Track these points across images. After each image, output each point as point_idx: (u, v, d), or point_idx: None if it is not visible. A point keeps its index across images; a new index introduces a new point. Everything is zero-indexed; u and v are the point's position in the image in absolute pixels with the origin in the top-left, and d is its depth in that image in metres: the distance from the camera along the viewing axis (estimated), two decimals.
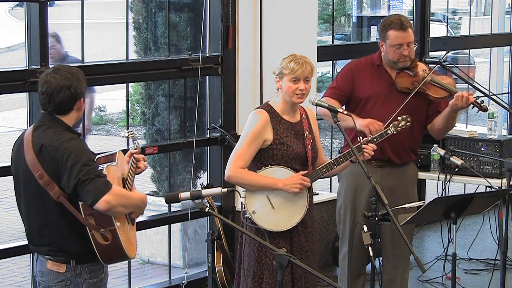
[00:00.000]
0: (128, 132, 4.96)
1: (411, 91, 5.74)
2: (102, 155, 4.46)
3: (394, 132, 5.37)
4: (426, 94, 5.78)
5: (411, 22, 9.14)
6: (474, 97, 5.72)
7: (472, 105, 5.75)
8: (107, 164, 4.32)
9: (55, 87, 4.26)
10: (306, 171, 5.10)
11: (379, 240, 6.01)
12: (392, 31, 5.77)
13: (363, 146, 5.15)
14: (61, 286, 4.29)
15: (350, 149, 5.11)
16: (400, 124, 5.39)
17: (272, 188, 5.06)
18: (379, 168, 5.86)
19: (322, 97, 5.93)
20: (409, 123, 5.40)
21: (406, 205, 5.03)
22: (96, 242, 4.17)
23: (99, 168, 4.22)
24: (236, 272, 5.26)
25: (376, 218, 4.74)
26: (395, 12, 10.09)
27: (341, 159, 5.14)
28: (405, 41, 5.76)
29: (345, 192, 5.96)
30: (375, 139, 5.26)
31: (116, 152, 4.47)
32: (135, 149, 4.73)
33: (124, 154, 4.64)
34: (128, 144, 6.81)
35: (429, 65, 5.96)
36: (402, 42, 5.75)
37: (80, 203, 4.16)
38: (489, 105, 7.41)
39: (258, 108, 5.22)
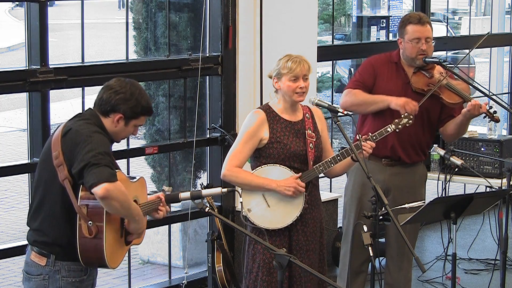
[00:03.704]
0: (168, 188, 4.88)
1: (425, 93, 5.72)
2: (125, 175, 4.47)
3: (396, 130, 5.35)
4: (440, 98, 5.76)
5: None
6: (487, 107, 5.71)
7: (484, 115, 5.74)
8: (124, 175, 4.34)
9: (109, 86, 4.37)
10: (300, 174, 5.09)
11: (384, 239, 6.05)
12: (411, 26, 5.76)
13: (358, 145, 5.13)
14: (39, 279, 4.31)
15: (347, 148, 5.11)
16: (402, 122, 5.36)
17: (266, 188, 5.07)
18: (389, 166, 5.85)
19: (344, 89, 5.92)
20: (411, 121, 5.37)
21: (407, 205, 5.03)
22: (80, 233, 4.18)
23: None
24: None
25: (377, 218, 4.73)
26: (395, 12, 10.10)
27: (338, 157, 5.13)
28: (423, 35, 5.74)
29: (353, 188, 5.95)
30: (374, 137, 5.24)
31: (138, 176, 4.48)
32: (163, 197, 4.65)
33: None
34: (128, 145, 6.82)
35: (447, 68, 5.92)
36: (420, 36, 5.74)
37: (80, 191, 4.17)
38: (488, 104, 7.41)
39: (256, 108, 5.24)
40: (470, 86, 6.18)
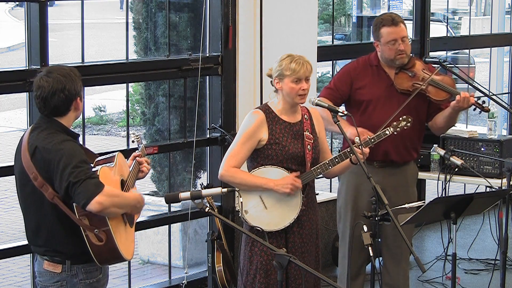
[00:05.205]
0: (134, 136, 4.93)
1: (411, 93, 5.72)
2: (101, 157, 4.45)
3: (394, 133, 5.33)
4: (427, 96, 5.77)
5: (411, 22, 9.18)
6: (475, 98, 5.72)
7: (474, 106, 5.75)
8: (103, 165, 4.31)
9: (49, 92, 4.23)
10: (298, 173, 5.08)
11: (379, 240, 6.05)
12: (385, 28, 5.78)
13: (355, 149, 5.10)
14: (57, 286, 4.29)
15: (346, 150, 5.11)
16: (400, 125, 5.35)
17: (263, 188, 5.05)
18: (381, 168, 5.86)
19: (319, 95, 5.94)
20: (410, 124, 5.37)
21: (406, 205, 5.02)
22: (90, 243, 4.16)
23: (94, 169, 4.21)
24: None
25: (376, 218, 4.73)
26: (395, 12, 10.08)
27: (336, 160, 5.11)
28: (399, 36, 5.76)
29: (346, 191, 5.95)
30: (372, 140, 5.24)
31: (115, 154, 4.46)
32: (139, 152, 4.72)
33: (127, 157, 4.64)
34: (128, 145, 6.83)
35: (428, 64, 5.95)
36: (395, 37, 5.76)
37: (74, 207, 4.15)
38: (489, 105, 7.41)
39: (256, 108, 5.22)
40: (470, 86, 6.20)
